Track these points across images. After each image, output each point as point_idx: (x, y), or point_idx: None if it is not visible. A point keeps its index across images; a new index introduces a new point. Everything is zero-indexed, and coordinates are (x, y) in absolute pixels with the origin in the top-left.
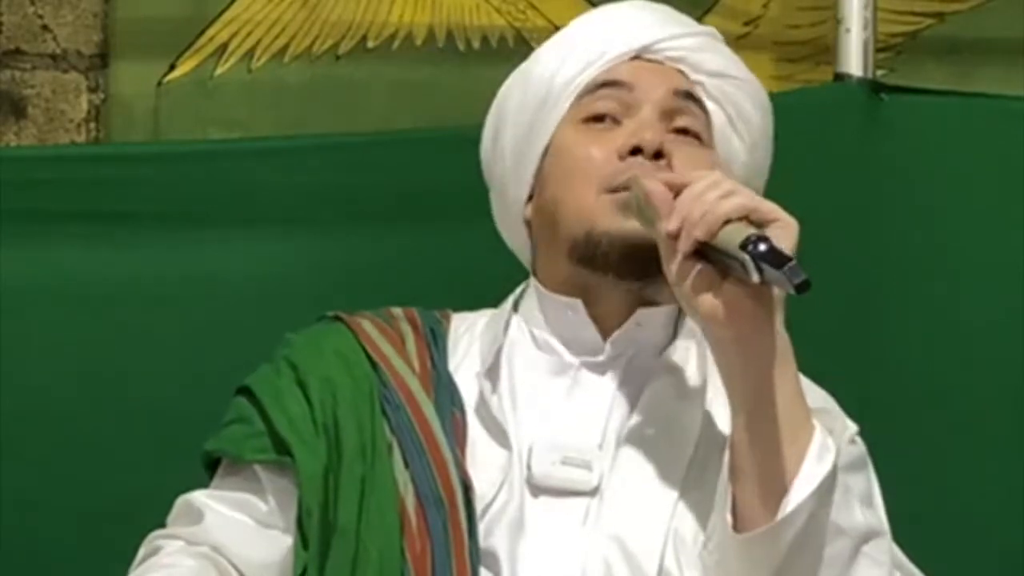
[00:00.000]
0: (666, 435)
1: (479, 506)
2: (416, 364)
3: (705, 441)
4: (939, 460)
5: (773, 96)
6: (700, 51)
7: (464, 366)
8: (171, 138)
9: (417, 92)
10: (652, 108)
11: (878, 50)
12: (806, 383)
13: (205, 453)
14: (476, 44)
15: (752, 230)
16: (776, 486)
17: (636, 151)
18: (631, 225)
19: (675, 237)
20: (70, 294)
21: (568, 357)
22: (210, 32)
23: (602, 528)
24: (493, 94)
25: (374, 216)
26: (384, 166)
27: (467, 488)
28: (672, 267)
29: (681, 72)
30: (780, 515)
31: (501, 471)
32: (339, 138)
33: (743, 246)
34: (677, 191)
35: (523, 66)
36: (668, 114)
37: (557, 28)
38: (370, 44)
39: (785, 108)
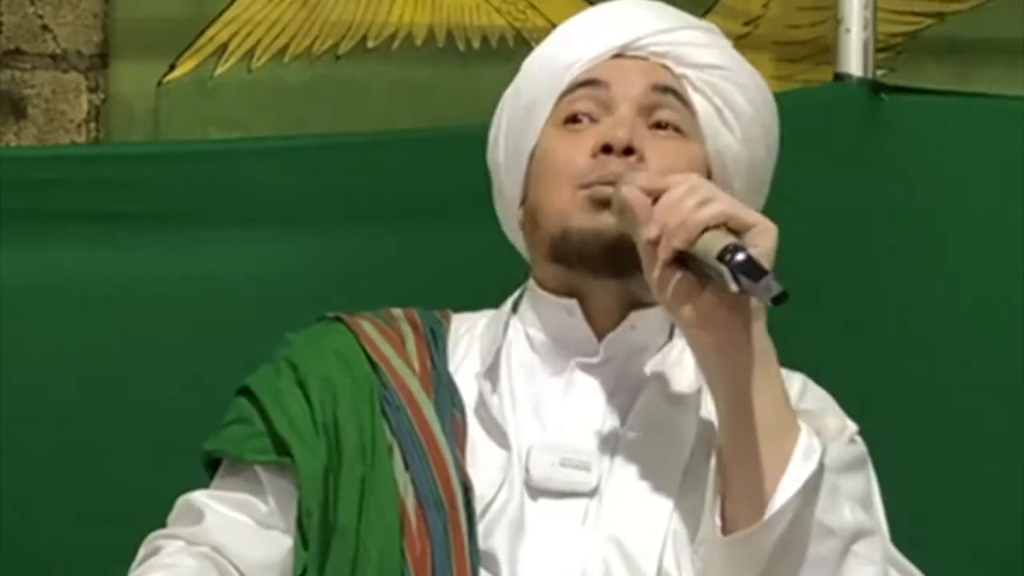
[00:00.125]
0: (663, 435)
1: (479, 506)
2: (416, 365)
3: (701, 442)
4: (939, 460)
5: (773, 96)
6: (685, 45)
7: (464, 367)
8: (171, 138)
9: (417, 92)
10: (629, 105)
11: (878, 50)
12: (808, 383)
13: (205, 453)
14: (476, 44)
15: (731, 238)
16: (763, 488)
17: (607, 149)
18: (604, 222)
19: (655, 244)
20: (70, 294)
21: (563, 358)
22: (210, 32)
23: (601, 529)
24: (493, 94)
25: (374, 216)
26: (384, 166)
27: (467, 489)
28: (653, 275)
29: (665, 67)
30: (766, 516)
31: (501, 471)
32: (339, 138)
33: (721, 256)
34: (656, 196)
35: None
36: (646, 109)
37: (557, 28)
38: (370, 44)
39: (785, 108)
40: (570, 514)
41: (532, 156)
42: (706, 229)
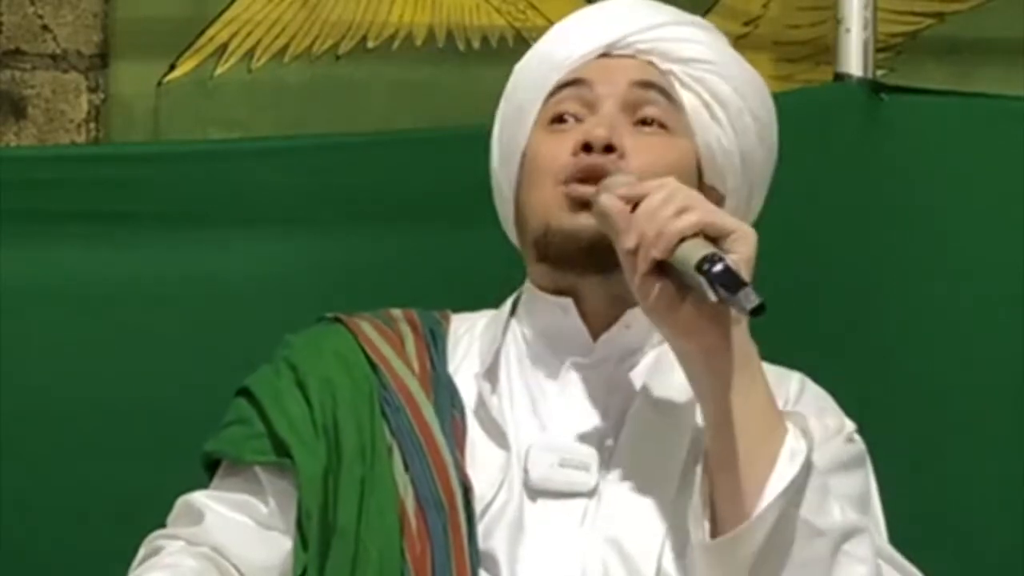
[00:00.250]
0: (661, 435)
1: (478, 507)
2: (416, 365)
3: (698, 440)
4: (939, 460)
5: (773, 96)
6: (671, 41)
7: (464, 367)
8: (171, 138)
9: (417, 92)
10: (613, 102)
11: (878, 50)
12: (806, 382)
13: (205, 454)
14: (476, 44)
15: (709, 247)
16: (750, 491)
17: (588, 147)
18: (581, 223)
19: (634, 254)
20: (70, 294)
21: (559, 358)
22: (210, 32)
23: (600, 529)
24: (493, 94)
25: (374, 216)
26: (384, 166)
27: (467, 490)
28: (634, 283)
29: (652, 63)
30: (751, 518)
31: (500, 471)
32: (339, 138)
33: (699, 267)
34: (635, 204)
35: None
36: (630, 106)
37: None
38: (370, 44)
39: (785, 108)
40: (569, 514)
41: (523, 157)
42: (684, 238)
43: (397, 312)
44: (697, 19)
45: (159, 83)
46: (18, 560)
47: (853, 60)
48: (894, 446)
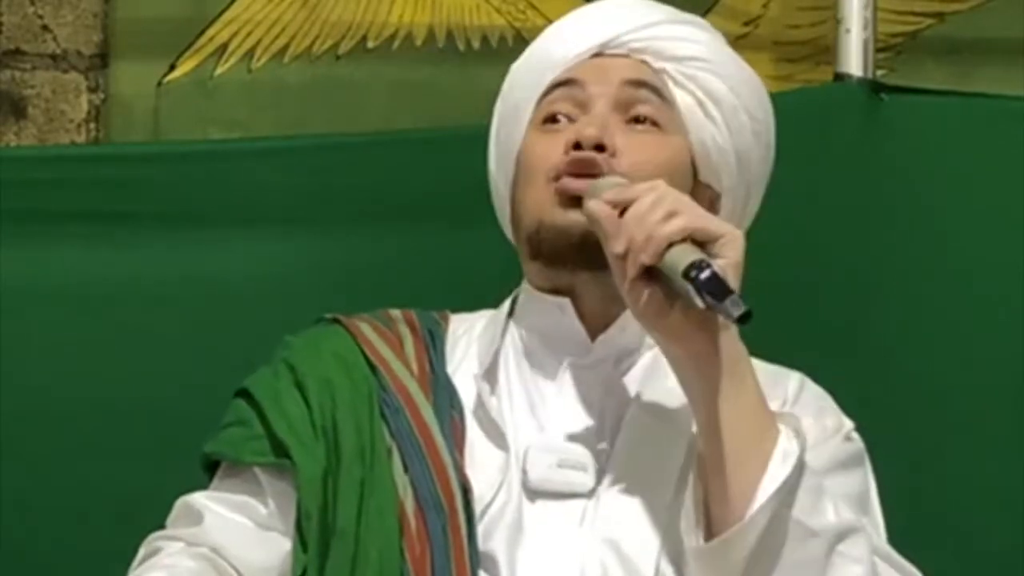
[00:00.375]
0: (659, 435)
1: (478, 508)
2: (415, 367)
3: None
4: (939, 460)
5: (773, 96)
6: (664, 39)
7: (462, 368)
8: (171, 138)
9: (417, 92)
10: (605, 102)
11: (878, 50)
12: (805, 381)
13: (204, 455)
14: (476, 44)
15: (697, 253)
16: (742, 493)
17: (579, 147)
18: (571, 219)
19: (623, 258)
20: (70, 294)
21: (557, 359)
22: (210, 32)
23: (598, 530)
24: (493, 94)
25: (374, 216)
26: (384, 166)
27: (466, 491)
28: (623, 288)
29: (645, 62)
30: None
31: (500, 472)
32: (339, 138)
33: (686, 273)
34: (624, 208)
35: None
36: (622, 105)
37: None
38: (370, 44)
39: (785, 108)
40: (568, 515)
41: (518, 156)
42: (672, 243)
43: (396, 313)
44: (692, 18)
45: (159, 83)
46: (18, 560)
47: (853, 60)
48: (894, 446)
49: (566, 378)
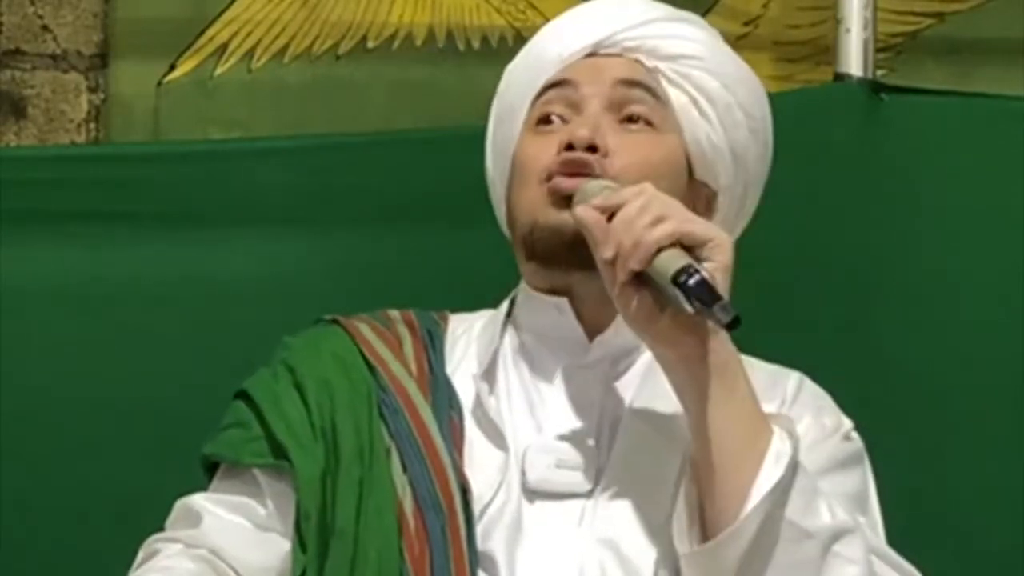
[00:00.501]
0: (657, 436)
1: (477, 508)
2: (413, 367)
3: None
4: (939, 460)
5: (773, 96)
6: (657, 38)
7: (461, 368)
8: (171, 138)
9: (417, 92)
10: (598, 101)
11: (878, 50)
12: (804, 381)
13: (203, 457)
14: (476, 44)
15: (685, 258)
16: (735, 495)
17: (571, 148)
18: (563, 218)
19: (613, 264)
20: (70, 294)
21: (556, 359)
22: (210, 32)
23: (597, 531)
24: (493, 94)
25: (374, 216)
26: (384, 166)
27: (465, 492)
28: (613, 293)
29: (638, 61)
30: (735, 523)
31: (499, 472)
32: (339, 138)
33: (675, 279)
34: (612, 213)
35: None
36: (615, 105)
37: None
38: (370, 44)
39: (785, 108)
40: (566, 516)
41: (513, 157)
42: (661, 248)
43: (395, 313)
44: (688, 15)
45: (159, 83)
46: (18, 560)
47: (853, 60)
48: (894, 446)
49: (565, 379)
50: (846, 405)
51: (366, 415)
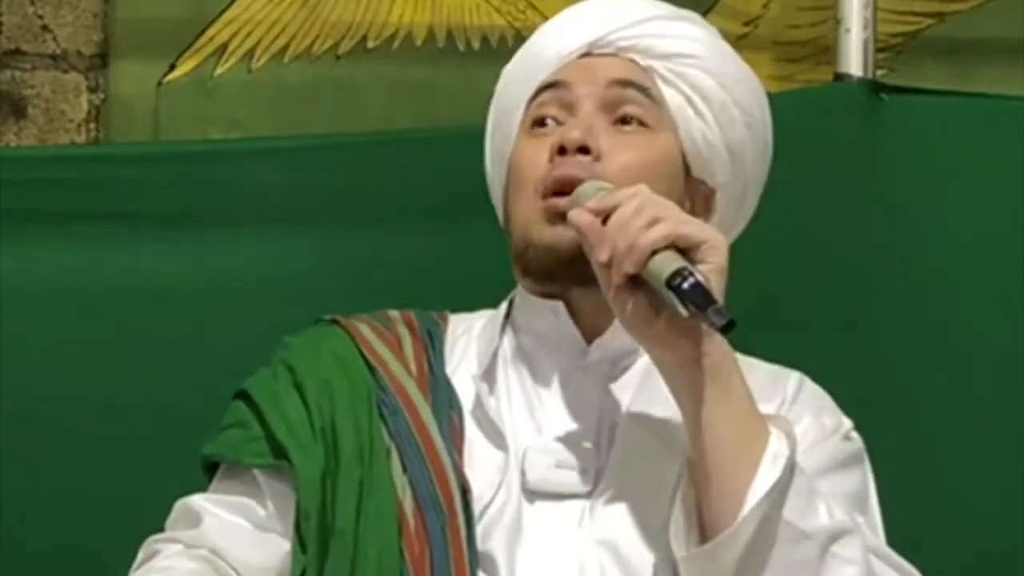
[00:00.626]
0: (656, 437)
1: (477, 508)
2: (413, 367)
3: None
4: (939, 460)
5: (773, 96)
6: (651, 36)
7: (461, 368)
8: (171, 138)
9: (417, 92)
10: (591, 103)
11: (878, 50)
12: (804, 381)
13: (203, 457)
14: (476, 44)
15: (680, 261)
16: (733, 497)
17: (563, 150)
18: (558, 235)
19: (608, 267)
20: (70, 294)
21: (555, 360)
22: (210, 32)
23: (597, 531)
24: (492, 94)
25: (374, 216)
26: (384, 166)
27: (465, 492)
28: (609, 296)
29: (633, 60)
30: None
31: (499, 472)
32: (339, 138)
33: (669, 283)
34: (607, 216)
35: None
36: (609, 105)
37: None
38: (370, 44)
39: (785, 108)
40: (566, 516)
41: (510, 161)
42: (656, 251)
43: (395, 313)
44: (685, 14)
45: (159, 83)
46: (18, 560)
47: (853, 60)
48: (894, 446)
49: (564, 380)
50: (846, 405)
51: (366, 415)
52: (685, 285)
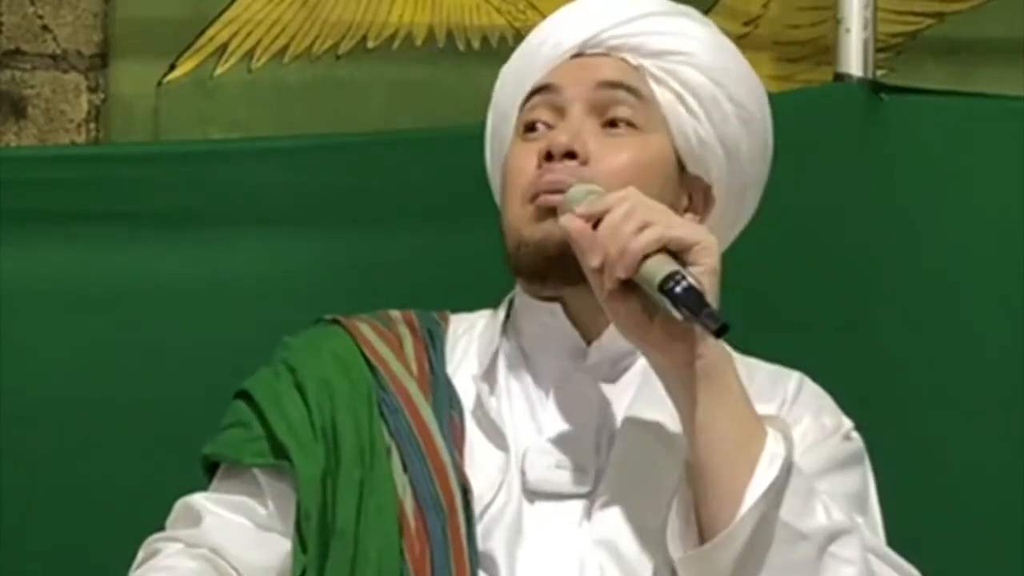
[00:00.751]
0: (657, 436)
1: (477, 508)
2: (414, 367)
3: None
4: (939, 460)
5: (773, 96)
6: (640, 35)
7: (462, 368)
8: (171, 138)
9: (417, 92)
10: (580, 106)
11: (878, 50)
12: (804, 381)
13: (204, 456)
14: (476, 44)
15: (672, 264)
16: (730, 498)
17: (550, 156)
18: (547, 229)
19: (600, 272)
20: (70, 294)
21: (554, 360)
22: (210, 32)
23: (596, 531)
24: (492, 94)
25: (374, 216)
26: (384, 166)
27: (466, 492)
28: (603, 301)
29: (624, 60)
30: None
31: (499, 472)
32: (339, 138)
33: (662, 287)
34: (597, 220)
35: None
36: (598, 108)
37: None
38: (370, 44)
39: (785, 108)
40: (566, 516)
41: (503, 167)
42: (647, 255)
43: (395, 313)
44: (679, 9)
45: (159, 83)
46: (18, 560)
47: (853, 60)
48: (894, 446)
49: (564, 380)
50: (846, 405)
51: (366, 415)
52: (678, 289)
